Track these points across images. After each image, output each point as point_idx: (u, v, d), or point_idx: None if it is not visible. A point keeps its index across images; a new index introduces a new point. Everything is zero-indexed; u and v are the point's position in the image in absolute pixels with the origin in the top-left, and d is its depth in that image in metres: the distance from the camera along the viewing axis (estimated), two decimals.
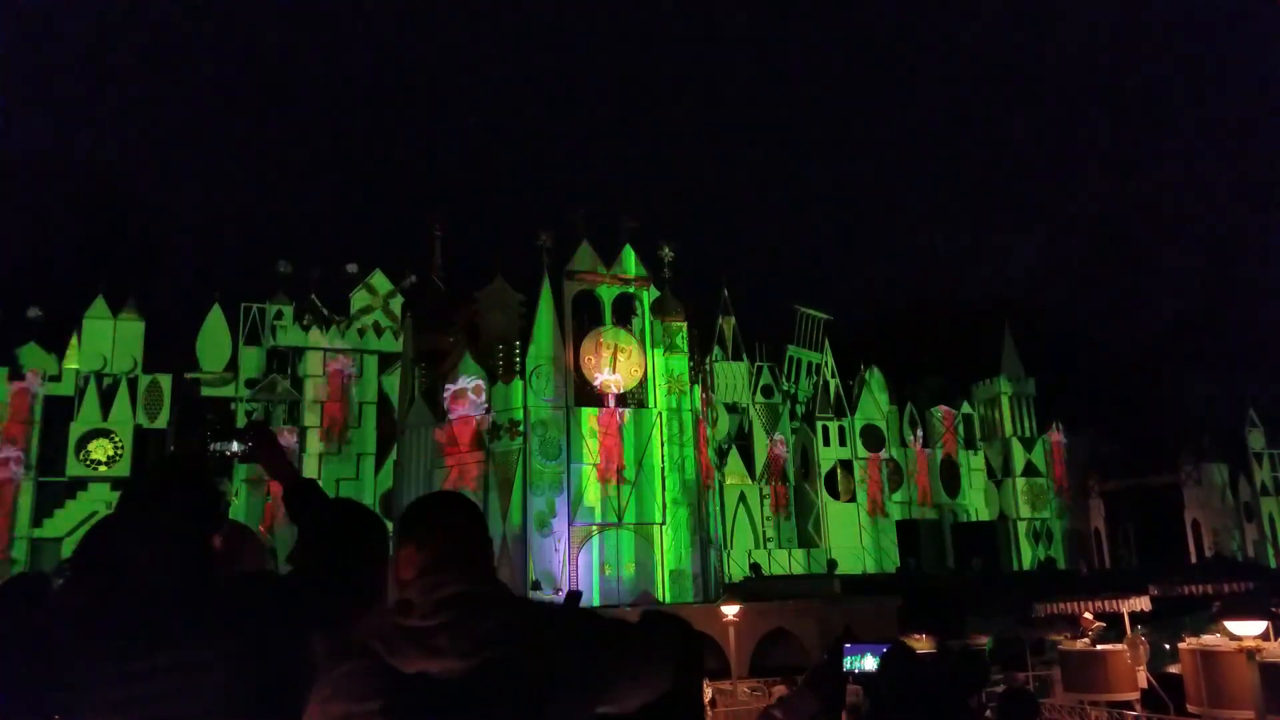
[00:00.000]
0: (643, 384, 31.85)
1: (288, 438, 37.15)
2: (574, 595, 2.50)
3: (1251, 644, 10.94)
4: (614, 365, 31.58)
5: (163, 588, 2.05)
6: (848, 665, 3.41)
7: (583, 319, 32.24)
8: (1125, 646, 17.89)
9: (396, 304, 39.90)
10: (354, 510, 2.68)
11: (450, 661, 1.80)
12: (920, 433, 47.05)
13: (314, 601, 2.24)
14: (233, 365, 38.25)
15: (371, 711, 1.73)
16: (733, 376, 43.78)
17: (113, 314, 35.95)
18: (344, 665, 1.80)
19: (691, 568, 30.49)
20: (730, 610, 23.41)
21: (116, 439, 34.44)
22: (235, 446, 2.36)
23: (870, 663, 3.41)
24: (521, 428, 30.39)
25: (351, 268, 39.57)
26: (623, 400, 31.57)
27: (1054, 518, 47.50)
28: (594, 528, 29.91)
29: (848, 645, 3.47)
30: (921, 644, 24.65)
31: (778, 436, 43.46)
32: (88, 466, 34.07)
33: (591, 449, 30.56)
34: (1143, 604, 19.61)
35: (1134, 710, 16.92)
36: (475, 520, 2.06)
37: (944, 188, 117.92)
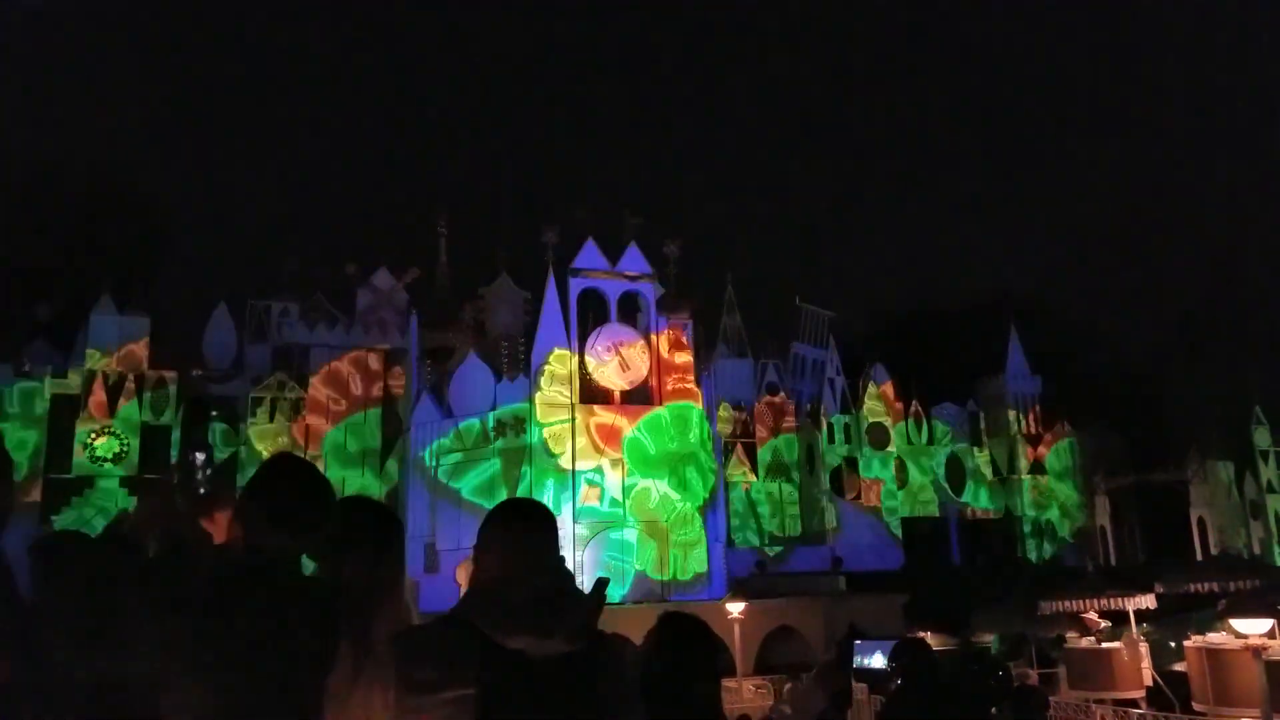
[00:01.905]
0: (647, 381, 31.86)
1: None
2: (602, 582, 2.56)
3: (1257, 642, 10.95)
4: (619, 362, 31.59)
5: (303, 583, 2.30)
6: (856, 662, 3.39)
7: (588, 316, 32.29)
8: (1122, 645, 17.85)
9: (402, 301, 39.93)
10: (368, 507, 2.78)
11: (554, 643, 2.00)
12: (925, 430, 46.98)
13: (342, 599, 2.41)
14: (239, 363, 38.33)
15: (467, 679, 1.90)
16: (737, 374, 43.75)
17: (119, 311, 36.01)
18: (428, 637, 1.99)
19: (696, 565, 30.51)
20: (735, 607, 23.44)
21: (123, 436, 34.52)
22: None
23: (879, 660, 3.39)
24: (527, 424, 30.43)
25: (351, 268, 39.61)
26: (628, 397, 31.58)
27: (1059, 515, 47.43)
28: (599, 524, 29.94)
29: (858, 642, 3.44)
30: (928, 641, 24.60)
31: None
32: (94, 464, 34.16)
33: (597, 445, 30.59)
34: (1148, 601, 19.56)
35: (1139, 708, 16.90)
36: (555, 524, 2.32)
37: (949, 185, 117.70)
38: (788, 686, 19.68)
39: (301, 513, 2.35)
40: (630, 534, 30.05)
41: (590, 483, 30.09)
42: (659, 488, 30.63)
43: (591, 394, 31.16)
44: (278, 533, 2.29)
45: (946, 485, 46.77)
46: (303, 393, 37.85)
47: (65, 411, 34.43)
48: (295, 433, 37.25)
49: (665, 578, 29.71)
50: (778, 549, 40.94)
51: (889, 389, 45.64)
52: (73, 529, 2.88)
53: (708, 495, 31.68)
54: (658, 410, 31.37)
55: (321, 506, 2.42)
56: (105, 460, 34.23)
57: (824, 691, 3.19)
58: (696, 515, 30.97)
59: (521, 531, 2.20)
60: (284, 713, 2.12)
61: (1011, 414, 48.10)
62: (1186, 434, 48.81)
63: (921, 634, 25.05)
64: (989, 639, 25.63)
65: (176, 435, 35.64)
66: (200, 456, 34.91)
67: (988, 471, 48.06)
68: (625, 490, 30.30)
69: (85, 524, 32.67)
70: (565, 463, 30.13)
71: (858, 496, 42.69)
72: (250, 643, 2.10)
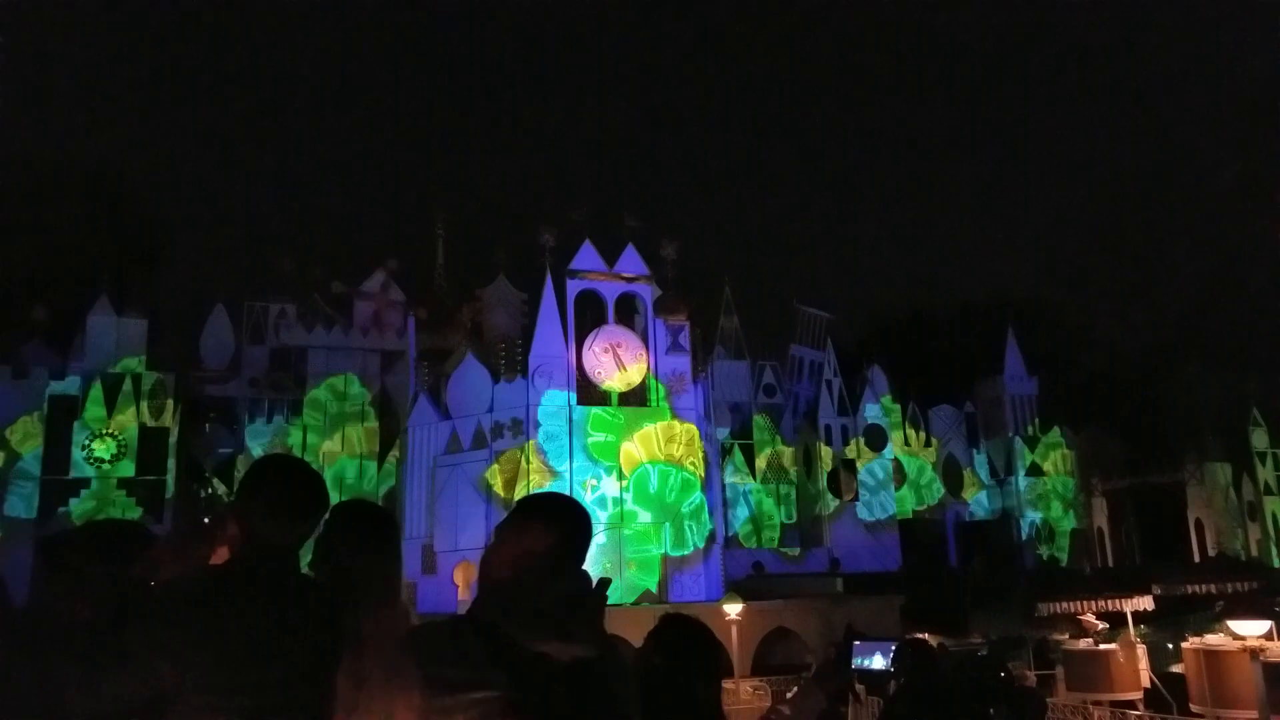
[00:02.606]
0: (645, 383, 31.86)
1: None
2: (604, 582, 2.57)
3: (1255, 643, 10.97)
4: (616, 364, 31.59)
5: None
6: (856, 663, 3.37)
7: (585, 317, 32.28)
8: (1118, 646, 17.86)
9: (398, 305, 39.92)
10: (364, 509, 2.75)
11: (577, 648, 2.00)
12: (923, 431, 47.01)
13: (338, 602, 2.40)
14: (236, 364, 38.30)
15: (492, 681, 1.89)
16: (735, 375, 43.75)
17: (116, 313, 35.97)
18: (453, 636, 1.97)
19: (693, 566, 30.51)
20: (732, 609, 23.46)
21: (120, 438, 34.48)
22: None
23: (879, 661, 3.37)
24: (524, 426, 30.42)
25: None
26: (625, 399, 31.58)
27: (1056, 517, 47.48)
28: (597, 526, 29.93)
29: (857, 642, 3.43)
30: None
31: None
32: (91, 465, 34.11)
33: (594, 448, 30.59)
34: (1146, 603, 19.59)
35: (1137, 709, 16.91)
36: (590, 525, 2.28)
37: (947, 185, 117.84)
38: (792, 692, 19.64)
39: (299, 510, 2.37)
40: (627, 536, 29.99)
41: (586, 484, 30.05)
42: (654, 489, 30.61)
43: (588, 396, 31.17)
44: (276, 531, 2.30)
45: (944, 486, 46.81)
46: (300, 394, 37.82)
47: (63, 413, 34.39)
48: (293, 434, 37.21)
49: (663, 579, 29.67)
50: (783, 550, 40.91)
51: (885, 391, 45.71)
52: (79, 528, 2.88)
53: (701, 496, 31.64)
54: (652, 411, 31.36)
55: (318, 503, 2.44)
56: (103, 462, 34.19)
57: (823, 692, 3.18)
58: (693, 517, 30.92)
59: (556, 531, 2.16)
60: (287, 713, 2.12)
61: (1008, 415, 48.15)
62: (1184, 436, 48.85)
63: (919, 635, 25.01)
64: (985, 640, 25.68)
65: (174, 437, 35.60)
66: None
67: (985, 472, 48.11)
68: (622, 492, 30.28)
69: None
70: (562, 465, 30.12)
71: (855, 498, 42.71)
72: (251, 644, 2.11)
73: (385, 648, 2.05)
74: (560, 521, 2.18)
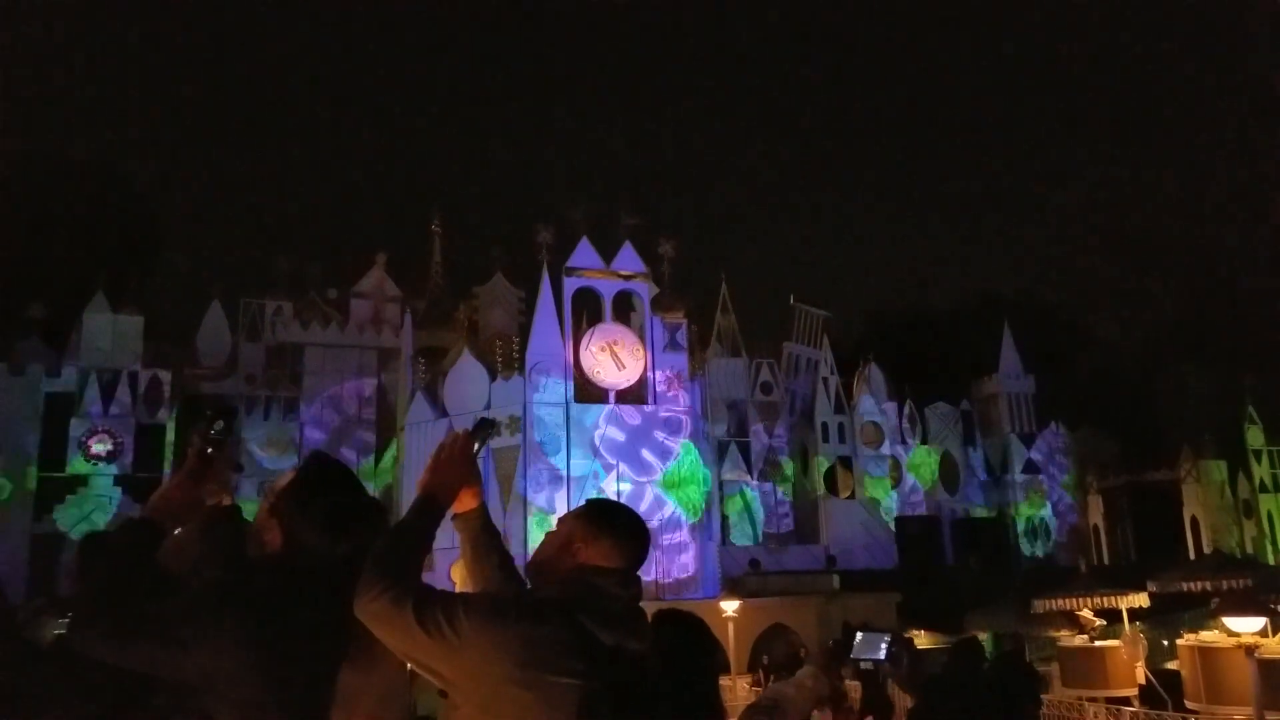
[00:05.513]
0: (642, 380, 31.86)
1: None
2: None
3: (1250, 640, 10.98)
4: (614, 361, 31.59)
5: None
6: (861, 654, 3.36)
7: (582, 315, 32.27)
8: (1121, 643, 17.90)
9: (395, 302, 39.91)
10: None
11: (636, 642, 2.19)
12: (919, 429, 47.07)
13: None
14: (233, 361, 38.26)
15: (576, 670, 2.04)
16: (731, 373, 43.78)
17: (113, 310, 35.92)
18: (545, 626, 2.09)
19: (691, 564, 30.54)
20: (729, 606, 23.51)
21: (117, 434, 34.44)
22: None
23: (883, 653, 3.36)
24: (521, 424, 30.41)
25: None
26: (622, 396, 31.59)
27: (1052, 515, 47.57)
28: None
29: (860, 634, 3.42)
30: (921, 639, 24.74)
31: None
32: (89, 462, 34.07)
33: (591, 445, 30.59)
34: (1141, 600, 19.62)
35: (1132, 706, 16.95)
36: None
37: (943, 184, 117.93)
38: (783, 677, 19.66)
39: (353, 517, 2.42)
40: None
41: (583, 482, 30.08)
42: (651, 487, 30.62)
43: (586, 393, 31.17)
44: (333, 538, 2.35)
45: (940, 484, 46.88)
46: (297, 391, 37.78)
47: (59, 410, 34.34)
48: (289, 432, 37.18)
49: (659, 577, 29.66)
50: (779, 548, 40.92)
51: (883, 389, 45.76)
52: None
53: (697, 493, 31.65)
54: (649, 408, 31.37)
55: (369, 510, 2.50)
56: (99, 459, 34.15)
57: (827, 677, 3.21)
58: (690, 514, 30.94)
59: (640, 540, 2.34)
60: (322, 708, 2.23)
61: (1005, 413, 48.23)
62: (1179, 433, 48.97)
63: (915, 632, 25.15)
64: (983, 638, 25.71)
65: (171, 434, 35.56)
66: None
67: (981, 470, 48.19)
68: (618, 489, 30.27)
69: (81, 523, 32.63)
70: (559, 462, 30.12)
71: (851, 495, 42.76)
72: (305, 646, 2.18)
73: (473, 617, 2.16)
74: (640, 538, 2.37)
